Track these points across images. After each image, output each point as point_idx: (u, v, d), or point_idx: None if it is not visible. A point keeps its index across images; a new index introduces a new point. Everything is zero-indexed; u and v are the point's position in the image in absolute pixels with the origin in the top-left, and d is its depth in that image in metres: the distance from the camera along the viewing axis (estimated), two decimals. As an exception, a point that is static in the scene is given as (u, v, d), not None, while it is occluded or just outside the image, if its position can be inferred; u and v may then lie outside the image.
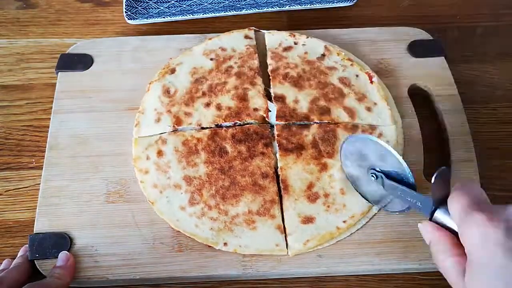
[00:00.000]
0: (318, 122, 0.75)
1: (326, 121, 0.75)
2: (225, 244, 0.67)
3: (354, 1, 0.93)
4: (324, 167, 0.72)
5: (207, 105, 0.77)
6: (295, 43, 0.84)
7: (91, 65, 0.83)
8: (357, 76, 0.80)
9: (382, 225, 0.69)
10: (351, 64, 0.81)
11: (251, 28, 0.86)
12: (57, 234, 0.68)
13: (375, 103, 0.77)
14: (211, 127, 0.75)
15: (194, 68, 0.81)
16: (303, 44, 0.83)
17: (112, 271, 0.66)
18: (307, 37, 0.84)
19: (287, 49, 0.83)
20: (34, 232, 0.68)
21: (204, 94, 0.78)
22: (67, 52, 0.85)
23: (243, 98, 0.77)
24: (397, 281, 0.68)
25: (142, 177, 0.72)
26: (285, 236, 0.68)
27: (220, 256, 0.67)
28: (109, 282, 0.66)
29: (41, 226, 0.69)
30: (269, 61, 0.82)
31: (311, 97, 0.77)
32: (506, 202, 0.73)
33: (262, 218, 0.68)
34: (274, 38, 0.85)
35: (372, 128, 0.75)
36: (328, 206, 0.69)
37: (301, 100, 0.77)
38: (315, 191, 0.70)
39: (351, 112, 0.76)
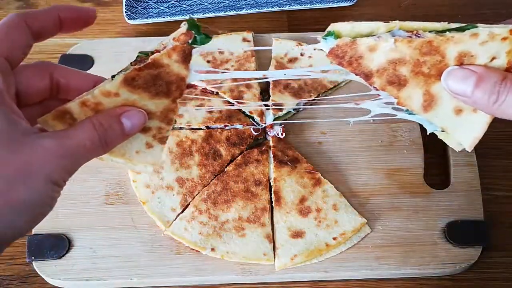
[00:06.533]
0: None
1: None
2: (212, 249, 0.67)
3: (354, 1, 0.92)
4: (318, 182, 0.71)
5: (199, 106, 0.77)
6: (302, 55, 0.82)
7: (92, 66, 0.83)
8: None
9: (382, 230, 0.69)
10: None
11: (249, 31, 0.86)
12: (56, 236, 0.68)
13: None
14: (201, 128, 0.75)
15: None
16: (309, 56, 0.82)
17: (110, 273, 0.66)
18: (315, 49, 0.83)
19: (292, 60, 0.82)
20: (32, 233, 0.68)
21: (196, 96, 0.78)
22: (67, 53, 0.85)
23: (238, 101, 0.77)
24: (397, 281, 0.68)
25: (134, 177, 0.72)
26: (274, 246, 0.67)
27: (219, 260, 0.67)
28: (107, 284, 0.66)
29: (39, 227, 0.68)
30: (272, 69, 0.80)
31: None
32: (507, 202, 0.73)
33: (252, 225, 0.68)
34: (281, 47, 0.84)
35: None
36: (320, 221, 0.68)
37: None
38: (308, 205, 0.69)
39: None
